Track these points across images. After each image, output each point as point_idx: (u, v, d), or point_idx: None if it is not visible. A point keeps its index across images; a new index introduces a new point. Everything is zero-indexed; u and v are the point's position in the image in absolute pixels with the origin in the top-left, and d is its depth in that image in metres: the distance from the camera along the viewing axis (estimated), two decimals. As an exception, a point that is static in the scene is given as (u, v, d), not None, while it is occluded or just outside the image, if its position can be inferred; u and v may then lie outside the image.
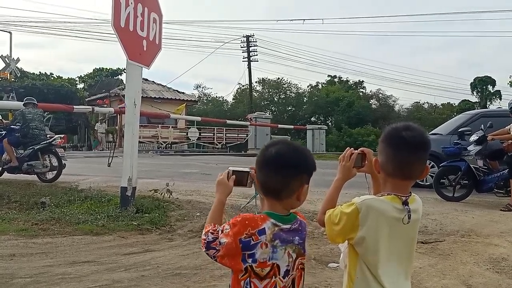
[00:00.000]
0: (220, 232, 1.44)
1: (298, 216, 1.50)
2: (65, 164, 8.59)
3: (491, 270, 3.94)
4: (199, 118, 26.64)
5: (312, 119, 41.99)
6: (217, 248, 1.42)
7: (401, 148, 1.51)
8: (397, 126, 1.58)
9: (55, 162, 8.52)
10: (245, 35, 36.60)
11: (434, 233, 5.18)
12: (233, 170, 1.56)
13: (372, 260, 1.49)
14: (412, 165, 1.53)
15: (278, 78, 44.65)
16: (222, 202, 1.54)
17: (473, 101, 44.93)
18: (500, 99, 44.39)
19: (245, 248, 1.39)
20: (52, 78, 33.65)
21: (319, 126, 32.63)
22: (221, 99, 46.18)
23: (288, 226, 1.44)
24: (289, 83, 44.90)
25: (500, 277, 3.78)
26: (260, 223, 1.40)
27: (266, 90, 45.40)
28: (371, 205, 1.49)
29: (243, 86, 42.48)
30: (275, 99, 45.01)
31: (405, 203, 1.52)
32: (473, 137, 7.45)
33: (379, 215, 1.48)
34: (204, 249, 1.47)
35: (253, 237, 1.38)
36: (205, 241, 1.46)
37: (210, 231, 1.47)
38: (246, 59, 36.65)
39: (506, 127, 7.19)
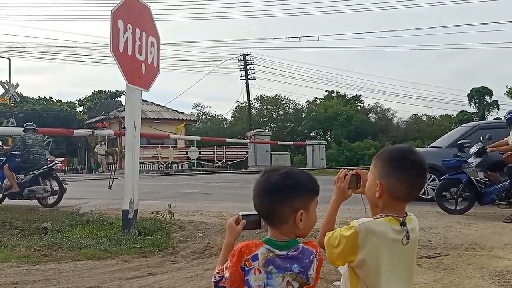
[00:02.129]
0: (224, 269, 1.45)
1: (301, 244, 1.44)
2: (66, 188, 8.59)
3: (496, 283, 3.91)
4: (198, 138, 26.67)
5: (312, 134, 42.10)
6: (225, 285, 1.43)
7: (414, 171, 1.55)
8: (402, 149, 1.63)
9: (56, 187, 8.53)
10: (242, 54, 36.97)
11: (438, 247, 5.15)
12: (242, 215, 1.56)
13: (374, 282, 1.50)
14: (421, 186, 1.58)
15: (276, 95, 44.94)
16: (230, 244, 1.54)
17: (471, 111, 45.16)
18: (498, 109, 44.65)
19: (245, 275, 1.39)
20: (52, 102, 33.72)
21: (319, 141, 32.68)
22: (220, 117, 46.42)
23: (283, 253, 1.41)
24: (287, 99, 45.18)
25: (505, 290, 3.76)
26: (254, 249, 1.40)
27: (265, 107, 45.61)
28: (370, 228, 1.50)
29: (241, 103, 42.76)
30: (274, 115, 45.19)
31: (403, 224, 1.53)
32: (473, 149, 7.47)
33: (379, 238, 1.49)
34: None
35: (247, 263, 1.39)
36: (214, 282, 1.47)
37: (217, 271, 1.48)
38: (244, 77, 36.91)
39: (505, 139, 7.22)
